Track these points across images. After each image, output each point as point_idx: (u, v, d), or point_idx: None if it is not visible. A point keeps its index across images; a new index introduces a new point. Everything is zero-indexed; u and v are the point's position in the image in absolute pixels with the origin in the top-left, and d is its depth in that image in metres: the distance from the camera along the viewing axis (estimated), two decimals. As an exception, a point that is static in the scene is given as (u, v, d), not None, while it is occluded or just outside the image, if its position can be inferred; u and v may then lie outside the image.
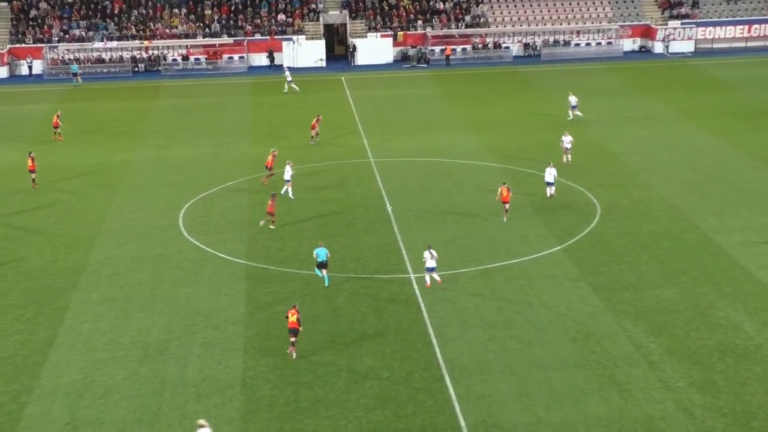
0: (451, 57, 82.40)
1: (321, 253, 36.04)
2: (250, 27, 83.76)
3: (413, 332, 32.24)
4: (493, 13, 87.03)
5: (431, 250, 35.54)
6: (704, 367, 29.62)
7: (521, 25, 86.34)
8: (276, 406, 27.98)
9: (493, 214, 43.32)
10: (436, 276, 35.61)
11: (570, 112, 60.95)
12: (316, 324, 32.91)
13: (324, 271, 36.12)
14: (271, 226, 41.98)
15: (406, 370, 29.72)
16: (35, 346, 31.97)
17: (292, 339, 30.68)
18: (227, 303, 34.84)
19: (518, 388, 28.57)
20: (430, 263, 35.41)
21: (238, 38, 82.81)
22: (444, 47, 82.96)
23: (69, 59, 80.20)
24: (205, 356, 30.90)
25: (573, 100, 61.06)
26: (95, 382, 29.51)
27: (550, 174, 44.86)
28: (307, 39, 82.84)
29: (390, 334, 32.18)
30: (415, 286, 35.75)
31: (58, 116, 59.48)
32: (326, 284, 35.99)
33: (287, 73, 72.55)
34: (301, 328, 30.89)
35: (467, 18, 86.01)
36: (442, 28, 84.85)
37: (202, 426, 25.41)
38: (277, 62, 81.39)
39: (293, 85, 71.25)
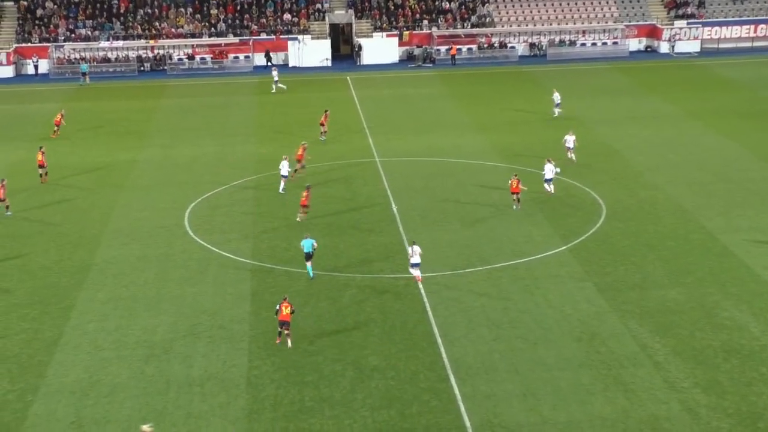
0: (456, 57, 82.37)
1: (306, 244, 36.50)
2: (255, 26, 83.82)
3: (418, 332, 32.24)
4: (499, 13, 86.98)
5: (414, 246, 35.91)
6: (709, 367, 29.57)
7: (527, 25, 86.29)
8: (281, 405, 27.99)
9: (499, 213, 43.36)
10: (418, 272, 35.89)
11: (554, 109, 61.40)
12: (321, 323, 32.94)
13: (309, 263, 36.61)
14: (300, 217, 42.49)
15: (411, 370, 29.72)
16: (41, 344, 32.02)
17: (287, 331, 31.12)
18: (232, 302, 34.87)
19: (523, 387, 28.55)
20: (415, 259, 35.76)
21: (244, 38, 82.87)
22: (450, 47, 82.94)
23: (75, 58, 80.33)
24: (210, 355, 30.94)
25: (557, 97, 61.37)
26: (100, 381, 29.56)
27: (550, 171, 44.98)
28: (312, 38, 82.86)
29: (395, 333, 32.18)
30: (420, 286, 35.73)
31: (62, 115, 59.90)
32: (311, 276, 36.42)
33: (274, 72, 72.59)
34: (295, 311, 31.53)
35: (473, 18, 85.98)
36: (447, 28, 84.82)
37: None
38: (274, 62, 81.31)
39: (280, 85, 71.26)
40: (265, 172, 49.86)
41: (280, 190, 46.80)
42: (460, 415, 27.29)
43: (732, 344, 30.93)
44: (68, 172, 51.30)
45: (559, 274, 36.63)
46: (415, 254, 35.82)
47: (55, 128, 59.23)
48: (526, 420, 26.97)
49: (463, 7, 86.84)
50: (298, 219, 42.58)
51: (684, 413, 27.14)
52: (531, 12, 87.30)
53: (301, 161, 48.89)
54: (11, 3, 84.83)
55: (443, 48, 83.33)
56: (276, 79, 71.64)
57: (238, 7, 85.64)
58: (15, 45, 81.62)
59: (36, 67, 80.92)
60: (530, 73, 77.51)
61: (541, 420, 26.95)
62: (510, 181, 43.88)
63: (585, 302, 34.18)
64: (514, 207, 43.55)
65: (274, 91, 71.01)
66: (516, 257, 38.41)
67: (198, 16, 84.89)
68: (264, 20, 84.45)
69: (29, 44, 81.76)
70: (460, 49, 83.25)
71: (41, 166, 49.46)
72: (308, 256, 36.54)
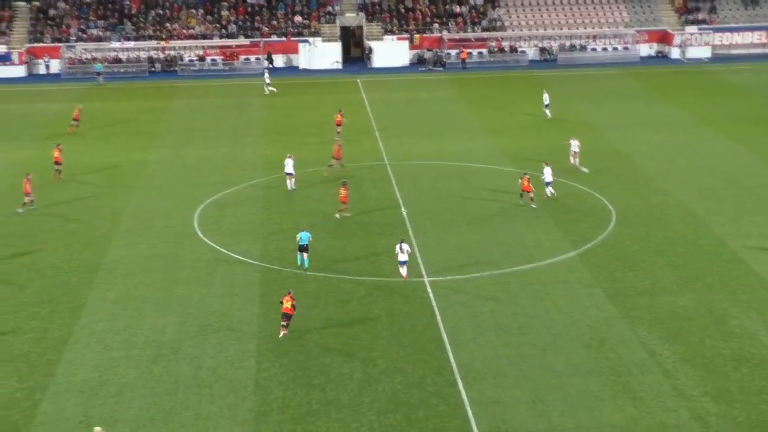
0: (467, 60, 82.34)
1: (303, 236, 37.24)
2: (266, 28, 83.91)
3: (426, 336, 32.19)
4: (510, 17, 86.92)
5: (403, 245, 36.28)
6: (719, 375, 29.45)
7: (537, 30, 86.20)
8: (288, 407, 27.98)
9: (508, 217, 43.34)
10: (404, 271, 36.21)
11: (545, 110, 61.86)
12: (329, 326, 32.93)
13: (305, 255, 37.30)
14: (345, 215, 43.11)
15: (418, 374, 29.68)
16: (50, 343, 32.08)
17: (284, 323, 31.70)
18: (241, 304, 34.88)
19: (532, 393, 28.47)
20: (402, 257, 36.14)
21: (255, 39, 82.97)
22: (460, 50, 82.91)
23: (87, 59, 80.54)
24: (219, 357, 30.95)
25: (546, 98, 62.00)
26: (109, 381, 29.59)
27: (549, 174, 45.24)
28: (323, 41, 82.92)
29: (403, 336, 32.15)
30: (429, 290, 35.70)
31: (79, 110, 60.51)
32: (306, 267, 37.20)
33: (266, 75, 72.69)
34: (294, 312, 31.99)
35: (484, 22, 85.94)
36: (458, 32, 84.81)
37: None
38: (277, 64, 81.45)
39: (271, 87, 71.38)
40: (275, 174, 49.83)
41: (290, 188, 46.98)
42: (468, 420, 27.22)
43: (742, 352, 30.79)
44: (79, 171, 51.40)
45: (568, 280, 36.55)
46: (402, 252, 36.17)
47: (73, 122, 59.71)
48: (534, 426, 26.89)
49: (474, 11, 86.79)
50: (337, 216, 43.12)
51: (693, 421, 27.03)
52: (542, 16, 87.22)
53: (339, 158, 49.52)
54: (23, 3, 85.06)
55: (454, 52, 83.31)
56: (267, 81, 71.76)
57: (249, 9, 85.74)
58: (27, 45, 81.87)
59: (47, 66, 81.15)
60: (540, 77, 77.38)
61: (549, 427, 26.87)
62: (520, 181, 44.47)
63: (594, 308, 34.10)
64: (532, 205, 43.91)
65: (275, 91, 71.05)
66: (525, 262, 38.35)
67: (209, 17, 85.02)
68: (275, 22, 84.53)
69: (41, 44, 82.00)
70: (470, 53, 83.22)
71: (57, 163, 49.73)
72: (304, 248, 37.20)
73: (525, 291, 35.62)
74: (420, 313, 33.88)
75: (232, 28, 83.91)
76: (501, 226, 42.52)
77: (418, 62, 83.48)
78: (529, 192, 44.19)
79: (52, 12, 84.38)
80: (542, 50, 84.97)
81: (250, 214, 44.54)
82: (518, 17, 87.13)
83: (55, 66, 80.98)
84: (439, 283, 36.24)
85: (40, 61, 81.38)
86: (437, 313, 33.84)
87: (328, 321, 33.30)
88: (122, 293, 36.03)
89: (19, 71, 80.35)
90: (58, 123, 61.76)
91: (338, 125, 57.30)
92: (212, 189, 48.19)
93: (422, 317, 33.57)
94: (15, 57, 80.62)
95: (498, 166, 51.68)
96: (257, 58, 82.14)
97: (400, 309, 34.26)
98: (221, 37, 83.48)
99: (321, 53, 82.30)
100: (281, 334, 31.79)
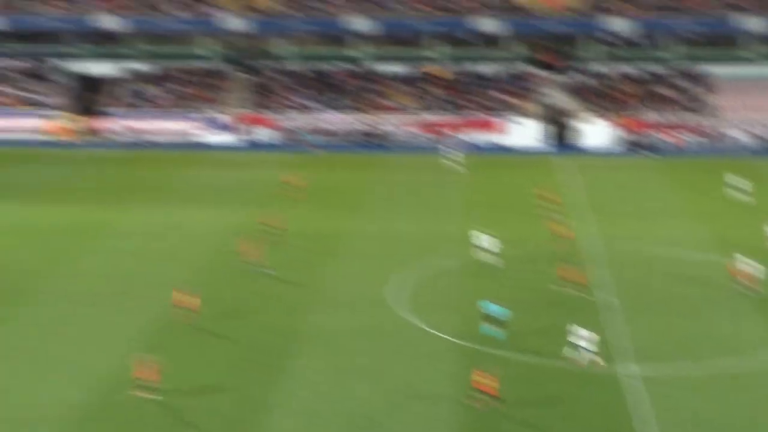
0: (677, 145, 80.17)
1: (490, 307, 37.58)
2: (471, 105, 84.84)
3: (624, 427, 30.88)
4: (723, 102, 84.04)
5: (582, 331, 35.36)
6: None
7: (753, 115, 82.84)
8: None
9: (720, 308, 41.52)
10: (591, 357, 35.17)
11: (737, 194, 59.42)
12: (522, 406, 32.26)
13: (493, 326, 37.36)
14: (573, 291, 42.82)
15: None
16: (251, 405, 32.82)
17: (484, 398, 31.54)
18: (440, 379, 34.69)
19: (743, 500, 26.70)
20: (581, 342, 35.26)
21: (460, 115, 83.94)
22: (670, 134, 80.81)
23: (301, 129, 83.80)
24: (416, 430, 30.80)
25: (738, 182, 59.91)
26: (306, 447, 29.97)
27: (748, 265, 43.15)
28: (526, 119, 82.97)
29: (599, 426, 31.14)
30: (630, 379, 34.32)
31: (292, 179, 64.23)
32: (497, 337, 37.06)
33: (448, 152, 73.24)
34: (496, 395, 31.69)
35: (696, 105, 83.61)
36: (669, 116, 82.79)
37: None
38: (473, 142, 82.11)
39: (455, 164, 71.68)
40: (475, 250, 49.58)
41: (490, 263, 46.74)
42: None
43: None
44: (290, 237, 52.84)
45: (785, 380, 34.34)
46: (580, 338, 35.29)
47: (286, 189, 62.77)
48: None
49: (686, 94, 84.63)
50: (558, 289, 43.05)
51: None
52: (757, 101, 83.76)
53: (565, 237, 50.10)
54: (243, 74, 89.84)
55: (663, 136, 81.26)
56: (452, 157, 72.32)
57: (455, 86, 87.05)
58: (244, 114, 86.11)
59: (262, 136, 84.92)
60: (756, 165, 73.99)
61: None
62: (732, 267, 43.28)
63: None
64: (750, 293, 42.40)
65: (464, 168, 71.38)
66: (735, 356, 36.37)
67: (417, 93, 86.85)
68: (479, 99, 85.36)
69: (256, 113, 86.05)
70: (680, 138, 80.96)
71: (270, 227, 52.00)
72: (491, 319, 37.46)
73: (733, 386, 33.73)
74: (617, 403, 32.65)
75: (438, 104, 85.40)
76: (710, 317, 40.72)
77: (626, 145, 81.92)
78: (743, 278, 42.61)
79: (267, 82, 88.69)
80: (758, 137, 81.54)
81: (454, 290, 44.59)
82: (732, 102, 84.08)
83: (271, 135, 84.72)
84: (641, 373, 34.83)
85: (257, 129, 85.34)
86: (638, 403, 32.45)
87: (525, 404, 32.58)
88: (323, 362, 36.56)
89: (235, 139, 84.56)
90: (269, 190, 64.26)
91: (550, 203, 57.17)
92: (415, 262, 48.52)
93: (620, 408, 32.31)
94: (231, 125, 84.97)
95: (709, 255, 49.57)
96: (459, 135, 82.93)
97: (597, 396, 33.22)
98: (427, 112, 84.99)
99: (524, 131, 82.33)
100: (482, 408, 31.52)
